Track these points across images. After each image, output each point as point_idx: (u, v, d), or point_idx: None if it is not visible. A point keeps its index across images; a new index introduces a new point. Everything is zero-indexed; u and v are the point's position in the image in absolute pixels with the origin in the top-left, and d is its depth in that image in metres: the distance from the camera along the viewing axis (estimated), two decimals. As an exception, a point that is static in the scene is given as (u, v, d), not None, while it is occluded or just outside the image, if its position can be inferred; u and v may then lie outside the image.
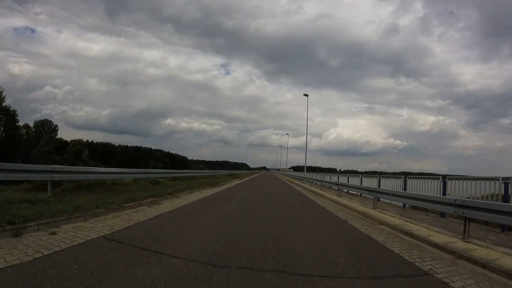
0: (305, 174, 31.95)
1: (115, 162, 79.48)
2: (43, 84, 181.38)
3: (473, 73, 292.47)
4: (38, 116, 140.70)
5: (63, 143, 70.06)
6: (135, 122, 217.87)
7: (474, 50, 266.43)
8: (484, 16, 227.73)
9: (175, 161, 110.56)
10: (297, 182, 31.18)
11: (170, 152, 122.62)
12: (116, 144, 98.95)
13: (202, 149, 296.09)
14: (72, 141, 73.27)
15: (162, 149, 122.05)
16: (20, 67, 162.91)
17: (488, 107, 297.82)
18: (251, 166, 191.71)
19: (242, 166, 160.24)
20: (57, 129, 71.18)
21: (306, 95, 31.76)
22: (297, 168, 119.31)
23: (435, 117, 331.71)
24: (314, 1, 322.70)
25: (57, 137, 70.86)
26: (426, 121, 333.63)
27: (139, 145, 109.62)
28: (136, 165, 69.14)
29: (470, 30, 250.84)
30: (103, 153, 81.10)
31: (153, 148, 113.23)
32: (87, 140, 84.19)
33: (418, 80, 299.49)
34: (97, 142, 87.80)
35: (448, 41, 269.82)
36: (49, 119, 72.18)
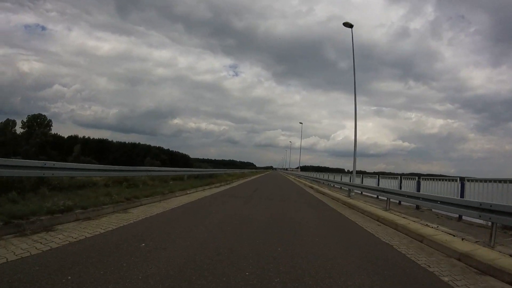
0: (353, 179, 16.70)
1: (111, 159, 79.94)
2: (52, 82, 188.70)
3: (483, 78, 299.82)
4: (46, 115, 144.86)
5: (58, 139, 70.55)
6: (143, 121, 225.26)
7: (484, 54, 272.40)
8: (495, 21, 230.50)
9: (175, 159, 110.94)
10: (338, 195, 14.98)
11: (170, 149, 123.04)
12: (115, 141, 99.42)
13: (209, 149, 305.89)
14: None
15: (163, 146, 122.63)
16: (30, 65, 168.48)
17: (497, 111, 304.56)
18: (258, 165, 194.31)
19: (248, 166, 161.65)
20: (51, 124, 71.81)
21: (349, 25, 18.54)
22: (304, 168, 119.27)
23: (443, 120, 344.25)
24: (325, 2, 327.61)
25: (51, 132, 71.31)
26: (434, 124, 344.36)
27: (137, 142, 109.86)
28: (133, 163, 69.53)
29: (481, 34, 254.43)
30: (100, 150, 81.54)
31: (152, 145, 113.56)
32: (84, 136, 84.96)
33: (427, 84, 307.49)
34: (93, 138, 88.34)
35: (458, 46, 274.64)
36: (42, 114, 72.72)
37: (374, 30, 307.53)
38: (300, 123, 48.84)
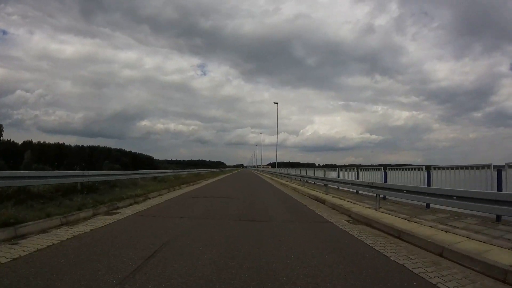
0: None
1: (68, 164, 79.32)
2: (14, 88, 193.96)
3: (446, 70, 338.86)
4: (9, 122, 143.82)
5: (11, 145, 69.31)
6: (110, 124, 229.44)
7: (447, 48, 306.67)
8: (457, 15, 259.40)
9: (139, 162, 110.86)
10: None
11: (132, 151, 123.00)
12: (73, 145, 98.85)
13: (179, 150, 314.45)
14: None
15: (131, 150, 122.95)
16: None
17: (460, 101, 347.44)
18: (228, 164, 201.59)
19: (219, 165, 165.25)
20: (2, 129, 70.17)
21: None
22: (275, 165, 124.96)
23: (409, 112, 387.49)
24: (292, 1, 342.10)
25: (2, 138, 69.84)
26: (400, 116, 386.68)
27: (96, 145, 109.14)
28: (92, 167, 69.97)
29: (444, 29, 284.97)
30: (58, 155, 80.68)
31: (112, 148, 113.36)
32: (39, 141, 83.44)
33: (393, 78, 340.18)
34: (49, 143, 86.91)
35: (422, 40, 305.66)
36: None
37: (341, 27, 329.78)
38: (275, 103, 46.24)
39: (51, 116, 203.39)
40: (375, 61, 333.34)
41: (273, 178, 37.15)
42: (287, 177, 29.07)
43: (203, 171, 41.66)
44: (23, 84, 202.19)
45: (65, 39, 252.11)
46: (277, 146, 46.85)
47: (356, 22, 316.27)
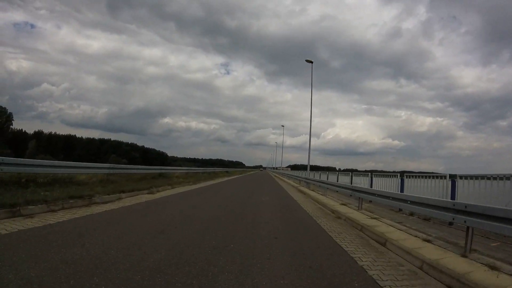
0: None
1: (76, 156, 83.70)
2: (40, 81, 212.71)
3: (473, 77, 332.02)
4: (34, 114, 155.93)
5: (18, 134, 73.59)
6: (132, 120, 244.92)
7: (475, 54, 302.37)
8: (486, 21, 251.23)
9: (150, 157, 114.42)
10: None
11: (145, 147, 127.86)
12: (84, 137, 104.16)
13: (199, 148, 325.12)
14: None
15: (140, 144, 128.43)
16: (18, 64, 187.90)
17: (486, 109, 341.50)
18: (247, 164, 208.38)
19: (237, 165, 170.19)
20: (12, 117, 74.35)
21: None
22: (295, 167, 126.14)
23: (433, 118, 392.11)
24: (318, 2, 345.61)
25: (12, 127, 74.13)
26: (424, 122, 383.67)
27: (107, 138, 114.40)
28: (99, 160, 73.42)
29: (472, 35, 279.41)
30: (67, 146, 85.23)
31: (124, 142, 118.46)
32: (50, 132, 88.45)
33: (418, 83, 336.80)
34: (58, 134, 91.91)
35: (449, 45, 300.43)
36: (2, 106, 75.05)
37: (367, 29, 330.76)
38: (308, 61, 30.91)
39: (75, 110, 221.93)
40: (400, 65, 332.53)
41: (301, 188, 23.40)
42: (337, 191, 13.77)
43: (179, 170, 29.34)
44: (49, 77, 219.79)
45: (91, 34, 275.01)
46: (310, 133, 26.16)
47: (383, 25, 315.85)
